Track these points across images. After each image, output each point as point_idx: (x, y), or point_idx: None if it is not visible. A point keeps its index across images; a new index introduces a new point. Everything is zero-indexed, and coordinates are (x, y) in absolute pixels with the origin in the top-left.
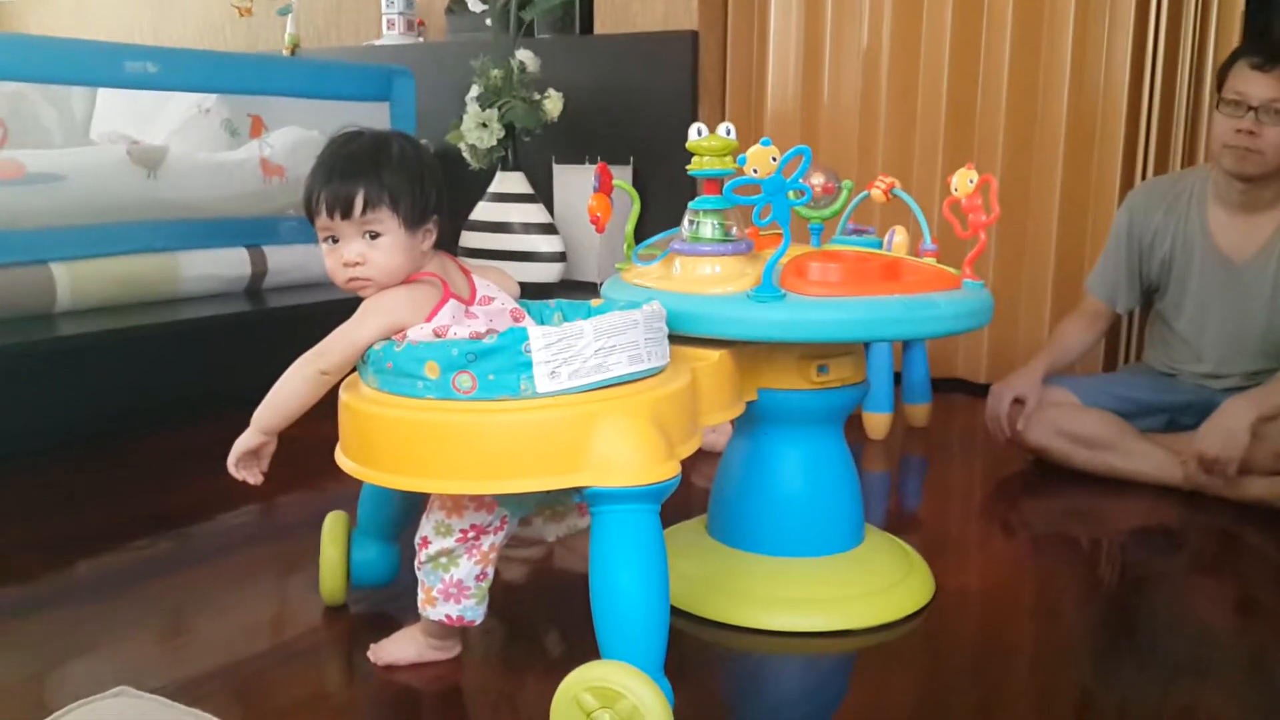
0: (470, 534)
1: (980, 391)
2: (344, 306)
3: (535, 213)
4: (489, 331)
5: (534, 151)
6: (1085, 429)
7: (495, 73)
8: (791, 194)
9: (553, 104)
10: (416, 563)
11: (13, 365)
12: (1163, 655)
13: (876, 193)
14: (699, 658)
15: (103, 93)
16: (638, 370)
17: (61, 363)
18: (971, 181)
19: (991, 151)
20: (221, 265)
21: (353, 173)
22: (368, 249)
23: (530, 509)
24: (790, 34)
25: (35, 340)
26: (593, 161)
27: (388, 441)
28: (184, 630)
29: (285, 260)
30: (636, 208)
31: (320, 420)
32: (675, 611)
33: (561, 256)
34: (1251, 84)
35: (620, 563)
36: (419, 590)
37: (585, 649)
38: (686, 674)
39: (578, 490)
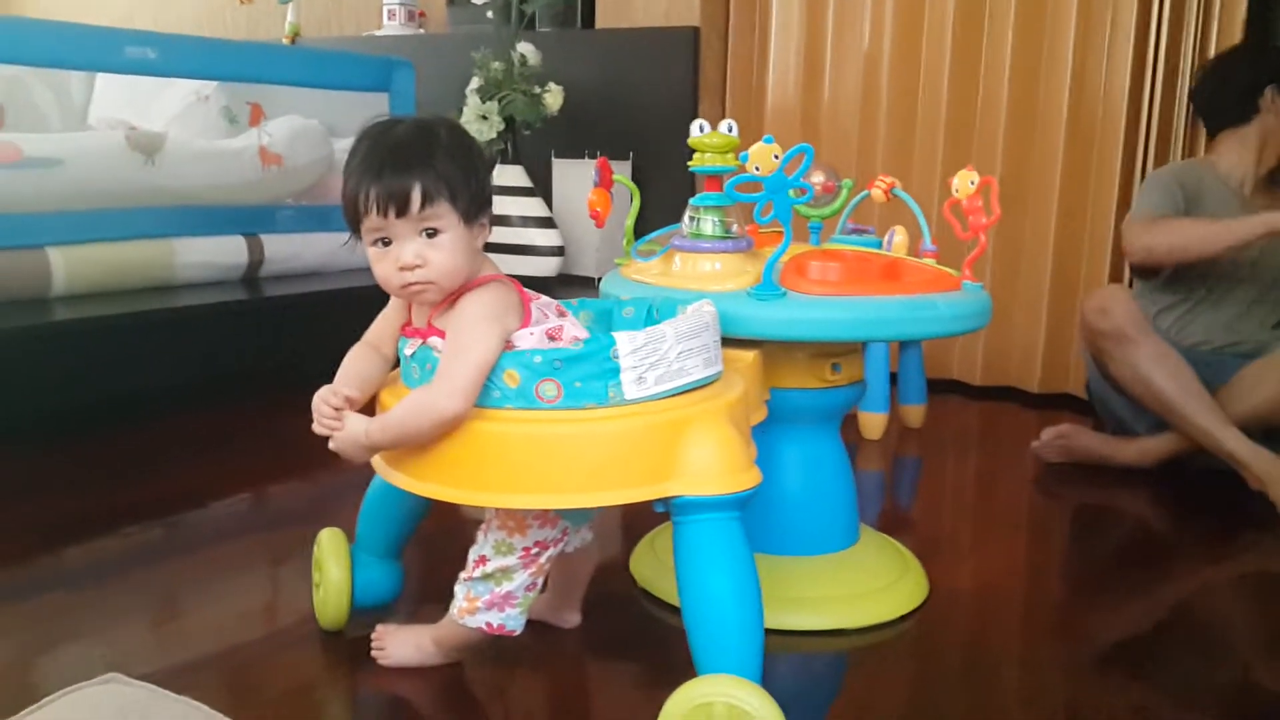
0: (533, 550)
1: (976, 393)
2: (343, 297)
3: (534, 206)
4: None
5: (533, 145)
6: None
7: (496, 65)
8: (793, 192)
9: (553, 98)
10: (464, 576)
11: (7, 349)
12: (1160, 664)
13: (877, 192)
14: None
15: (101, 78)
16: (710, 374)
17: (56, 348)
18: (972, 183)
19: (991, 153)
20: (218, 253)
21: (404, 164)
22: (426, 249)
23: (591, 518)
24: (792, 32)
25: (30, 325)
26: (592, 156)
27: (464, 455)
28: (175, 617)
29: (282, 249)
30: (636, 203)
31: (310, 410)
32: (668, 608)
33: (560, 251)
34: None
35: (718, 575)
36: (458, 598)
37: (574, 642)
38: (678, 672)
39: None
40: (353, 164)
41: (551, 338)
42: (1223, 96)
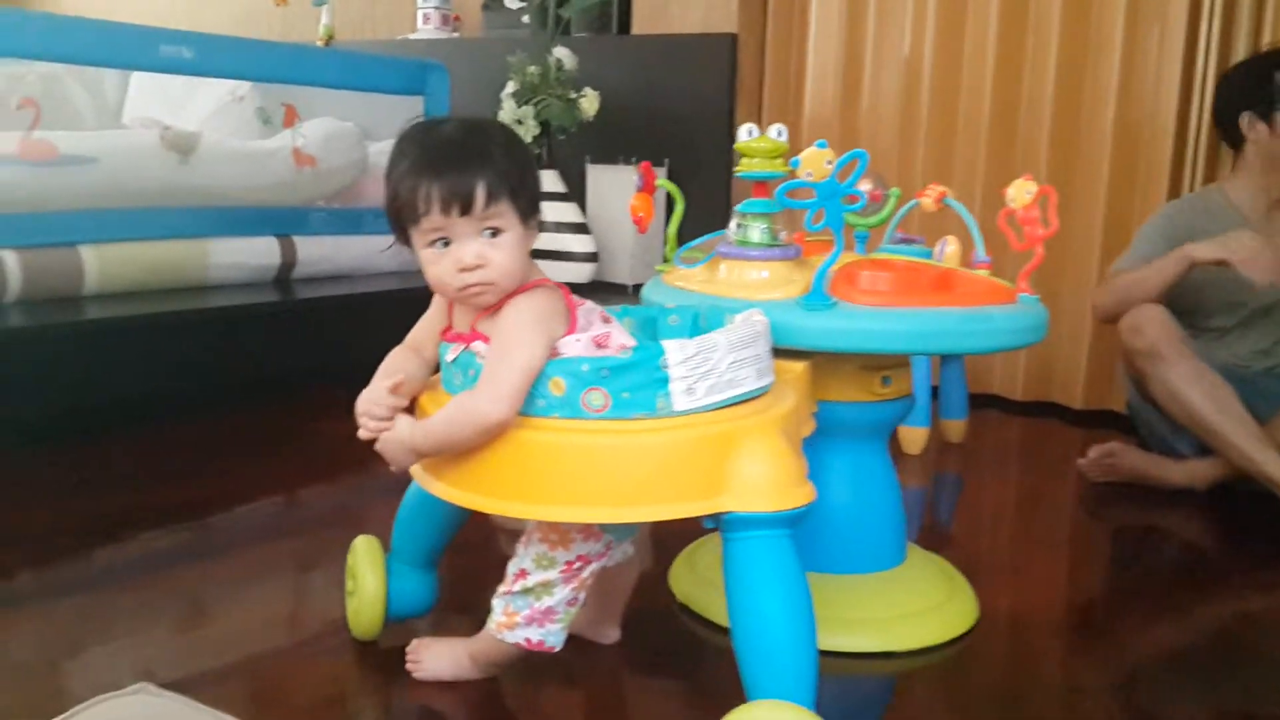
0: (576, 564)
1: (1016, 409)
2: (375, 300)
3: (568, 212)
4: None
5: (568, 150)
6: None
7: (532, 70)
8: (845, 199)
9: (589, 103)
10: (502, 590)
11: (39, 348)
12: (1206, 692)
13: (927, 201)
14: (734, 674)
15: (136, 76)
16: (763, 385)
17: (88, 346)
18: (1029, 193)
19: (1034, 163)
20: (251, 254)
21: (466, 162)
22: (488, 249)
23: (635, 532)
24: (831, 39)
25: (62, 323)
26: (627, 162)
27: (507, 465)
28: (205, 623)
29: (315, 251)
30: (680, 208)
31: (342, 414)
32: (711, 626)
33: (594, 257)
34: None
35: (770, 594)
36: (496, 612)
37: (613, 658)
38: (720, 691)
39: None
40: (404, 164)
41: (599, 345)
42: (1218, 121)
